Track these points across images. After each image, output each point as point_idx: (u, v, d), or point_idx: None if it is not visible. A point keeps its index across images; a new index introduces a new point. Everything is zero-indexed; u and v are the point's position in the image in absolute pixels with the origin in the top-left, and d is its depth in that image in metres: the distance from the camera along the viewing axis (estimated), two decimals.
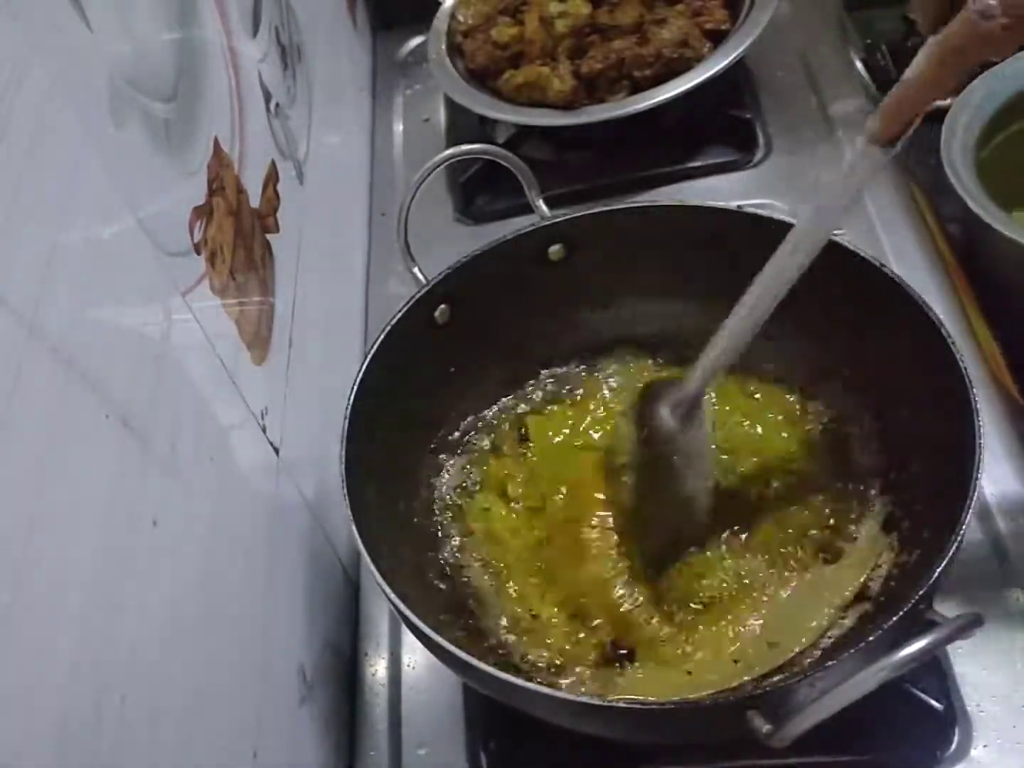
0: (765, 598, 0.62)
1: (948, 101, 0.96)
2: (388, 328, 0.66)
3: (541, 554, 0.67)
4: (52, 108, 0.41)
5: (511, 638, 0.64)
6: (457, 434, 0.74)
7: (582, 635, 0.63)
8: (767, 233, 0.66)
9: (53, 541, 0.37)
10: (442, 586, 0.66)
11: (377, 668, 0.71)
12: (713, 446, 0.67)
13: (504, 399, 0.76)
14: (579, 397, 0.75)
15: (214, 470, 0.53)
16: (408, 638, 0.70)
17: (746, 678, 0.58)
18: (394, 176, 1.06)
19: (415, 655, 0.70)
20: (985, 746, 0.59)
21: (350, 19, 1.13)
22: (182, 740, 0.45)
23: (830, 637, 0.59)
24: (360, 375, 0.63)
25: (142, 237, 0.48)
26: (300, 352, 0.72)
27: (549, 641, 0.63)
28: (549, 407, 0.75)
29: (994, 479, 0.69)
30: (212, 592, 0.51)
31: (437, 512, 0.70)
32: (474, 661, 0.52)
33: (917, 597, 0.49)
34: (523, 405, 0.76)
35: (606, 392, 0.75)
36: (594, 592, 0.64)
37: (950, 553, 0.50)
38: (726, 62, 0.89)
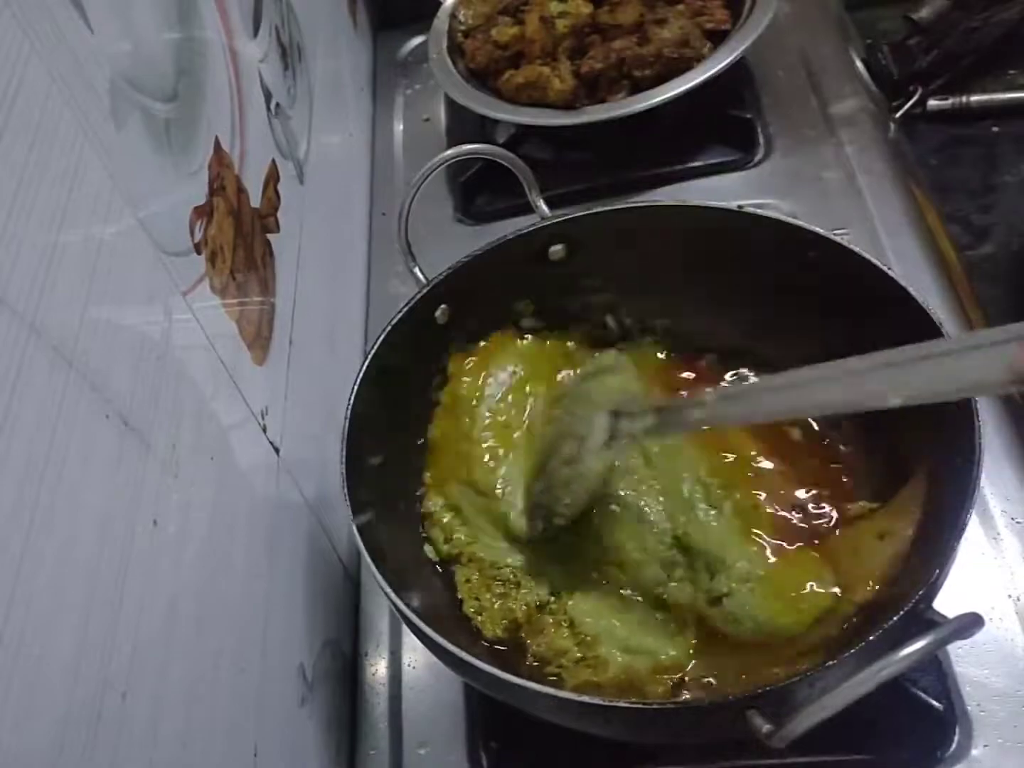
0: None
1: (949, 102, 0.96)
2: (389, 328, 0.66)
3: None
4: (52, 108, 0.41)
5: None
6: None
7: None
8: (767, 233, 0.67)
9: (53, 541, 0.37)
10: (442, 585, 0.66)
11: (377, 668, 0.71)
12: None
13: None
14: None
15: (214, 470, 0.54)
16: (408, 638, 0.70)
17: None
18: (394, 176, 1.06)
19: (415, 655, 0.70)
20: (985, 746, 0.59)
21: (350, 19, 1.13)
22: (182, 739, 0.45)
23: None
24: (361, 375, 0.63)
25: (142, 237, 0.48)
26: (301, 352, 0.72)
27: (549, 640, 0.63)
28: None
29: (994, 479, 0.69)
30: (212, 591, 0.51)
31: (437, 512, 0.70)
32: (474, 661, 0.52)
33: (917, 597, 0.49)
34: None
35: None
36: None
37: (950, 553, 0.50)
38: (726, 62, 0.89)
